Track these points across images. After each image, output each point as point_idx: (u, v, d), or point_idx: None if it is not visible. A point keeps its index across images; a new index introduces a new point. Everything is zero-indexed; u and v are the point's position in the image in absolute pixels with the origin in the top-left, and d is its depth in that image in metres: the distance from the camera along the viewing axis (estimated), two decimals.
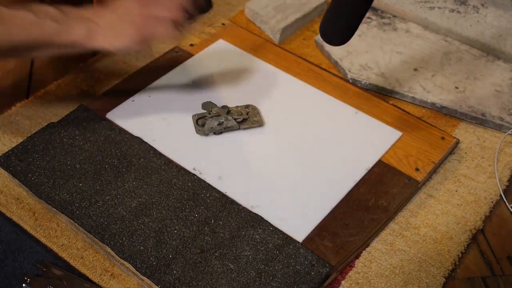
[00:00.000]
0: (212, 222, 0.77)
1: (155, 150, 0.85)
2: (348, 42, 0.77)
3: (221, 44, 1.05)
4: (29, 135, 0.87)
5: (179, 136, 0.88)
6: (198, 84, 0.97)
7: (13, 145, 0.86)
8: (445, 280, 0.76)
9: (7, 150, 0.85)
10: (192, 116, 0.89)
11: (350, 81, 1.01)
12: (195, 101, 0.93)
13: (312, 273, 0.71)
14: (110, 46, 0.75)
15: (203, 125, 0.87)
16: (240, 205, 0.79)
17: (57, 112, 0.95)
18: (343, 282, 0.75)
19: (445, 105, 0.97)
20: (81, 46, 0.74)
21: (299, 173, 0.84)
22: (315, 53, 1.09)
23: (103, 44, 0.74)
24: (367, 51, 1.06)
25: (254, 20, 1.15)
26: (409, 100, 0.99)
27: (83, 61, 1.06)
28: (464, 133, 0.95)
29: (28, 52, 0.75)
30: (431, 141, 0.89)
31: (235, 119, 0.85)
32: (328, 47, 1.07)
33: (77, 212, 0.77)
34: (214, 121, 0.86)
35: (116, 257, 0.73)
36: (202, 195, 0.80)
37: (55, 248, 0.77)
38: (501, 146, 0.93)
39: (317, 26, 1.14)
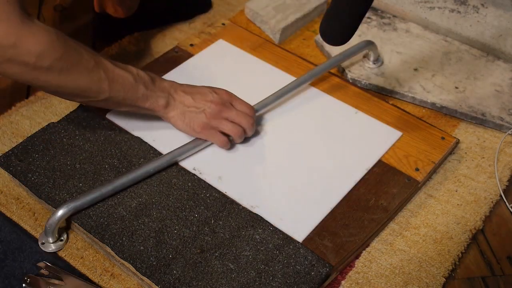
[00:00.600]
0: (212, 222, 0.77)
1: (155, 150, 0.85)
2: (348, 42, 0.77)
3: (221, 44, 1.05)
4: (29, 135, 0.87)
5: (179, 136, 0.88)
6: (198, 84, 0.97)
7: (13, 145, 0.86)
8: (445, 280, 0.76)
9: (7, 150, 0.85)
10: None
11: (350, 81, 1.01)
12: None
13: (312, 273, 0.71)
14: (174, 124, 0.84)
15: None
16: (240, 205, 0.79)
17: (57, 112, 0.95)
18: (343, 282, 0.75)
19: (445, 105, 0.97)
20: (158, 114, 0.83)
21: (299, 173, 0.84)
22: (315, 53, 1.09)
23: (172, 121, 0.84)
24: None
25: (254, 20, 1.15)
26: (409, 100, 0.99)
27: None
28: (464, 133, 0.95)
29: (114, 106, 0.82)
30: (431, 141, 0.89)
31: None
32: (328, 47, 1.07)
33: (77, 212, 0.77)
34: None
35: (116, 257, 0.73)
36: (202, 195, 0.80)
37: None
38: (501, 146, 0.93)
39: (317, 26, 1.14)
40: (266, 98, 0.90)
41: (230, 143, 0.85)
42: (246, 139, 0.88)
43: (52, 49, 0.69)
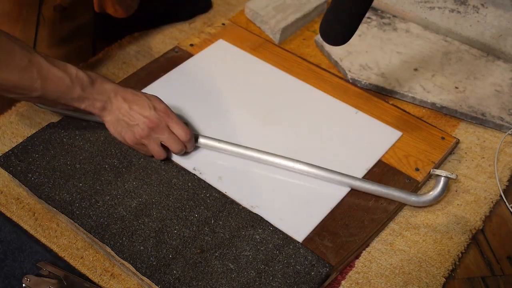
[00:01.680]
0: (212, 222, 0.77)
1: None
2: (348, 42, 0.77)
3: (221, 44, 1.05)
4: (29, 135, 0.87)
5: None
6: (198, 84, 0.97)
7: (13, 145, 0.86)
8: (445, 280, 0.76)
9: (7, 150, 0.85)
10: None
11: (350, 81, 1.01)
12: (195, 101, 0.93)
13: (312, 273, 0.71)
14: (109, 130, 0.83)
15: None
16: (240, 205, 0.79)
17: (57, 112, 0.95)
18: (343, 282, 0.75)
19: (445, 105, 0.97)
20: (92, 115, 0.83)
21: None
22: (315, 53, 1.09)
23: (107, 125, 0.82)
24: (367, 51, 1.06)
25: (254, 20, 1.15)
26: (409, 100, 0.99)
27: (83, 61, 1.06)
28: (464, 133, 0.95)
29: (49, 104, 0.82)
30: (431, 141, 0.89)
31: None
32: (328, 47, 1.07)
33: (77, 212, 0.77)
34: None
35: (116, 257, 0.73)
36: (202, 195, 0.80)
37: (55, 248, 0.77)
38: (501, 146, 0.93)
39: (317, 26, 1.14)
40: (216, 139, 0.85)
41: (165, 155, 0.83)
42: (246, 141, 0.87)
43: None
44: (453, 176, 0.78)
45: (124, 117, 0.80)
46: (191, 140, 0.83)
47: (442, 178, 0.79)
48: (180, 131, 0.82)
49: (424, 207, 0.84)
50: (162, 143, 0.82)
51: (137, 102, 0.80)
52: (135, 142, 0.81)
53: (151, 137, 0.80)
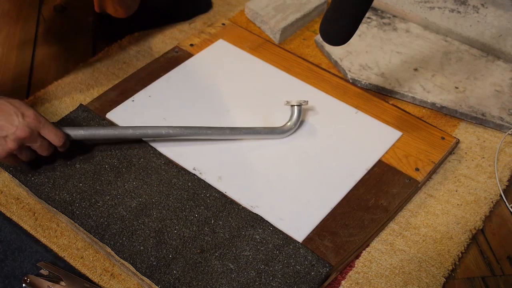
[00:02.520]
0: (212, 222, 0.77)
1: (155, 150, 0.85)
2: (348, 42, 0.77)
3: (221, 44, 1.05)
4: None
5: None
6: (198, 84, 0.97)
7: None
8: (445, 280, 0.76)
9: None
10: None
11: (350, 81, 1.01)
12: (195, 101, 0.93)
13: (312, 273, 0.71)
14: None
15: None
16: (240, 205, 0.79)
17: (57, 112, 0.95)
18: (343, 282, 0.75)
19: (445, 105, 0.97)
20: None
21: (299, 173, 0.84)
22: (315, 53, 1.09)
23: None
24: (367, 51, 1.06)
25: (254, 20, 1.15)
26: (409, 100, 0.99)
27: (83, 61, 1.07)
28: (464, 133, 0.95)
29: None
30: (431, 141, 0.89)
31: None
32: (328, 47, 1.07)
33: (77, 212, 0.77)
34: None
35: (116, 257, 0.73)
36: (202, 195, 0.80)
37: (55, 248, 0.77)
38: (501, 146, 0.93)
39: (317, 26, 1.14)
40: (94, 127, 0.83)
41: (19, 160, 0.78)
42: (246, 141, 0.88)
43: None
44: (304, 103, 0.86)
45: None
46: (65, 143, 0.78)
47: (296, 106, 0.87)
48: (53, 137, 0.76)
49: (424, 207, 0.84)
50: (34, 149, 0.77)
51: (2, 110, 0.72)
52: (5, 155, 0.74)
53: (22, 148, 0.75)
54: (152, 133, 0.83)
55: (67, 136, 0.79)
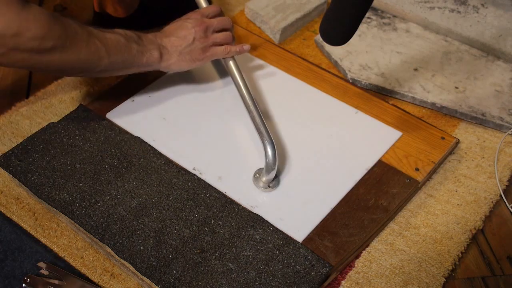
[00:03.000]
0: (212, 222, 0.77)
1: (155, 150, 0.85)
2: (348, 42, 0.77)
3: None
4: (29, 135, 0.87)
5: (179, 136, 0.88)
6: (198, 84, 0.97)
7: (13, 145, 0.86)
8: (445, 280, 0.76)
9: (7, 150, 0.85)
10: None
11: (350, 81, 1.01)
12: (195, 101, 0.93)
13: (312, 273, 0.71)
14: (178, 68, 0.87)
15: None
16: (240, 205, 0.79)
17: (57, 112, 0.95)
18: (343, 282, 0.75)
19: (445, 105, 0.97)
20: (155, 66, 0.85)
21: (299, 173, 0.84)
22: (315, 53, 1.09)
23: (173, 67, 0.86)
24: (367, 51, 1.06)
25: (254, 20, 1.15)
26: (409, 100, 0.99)
27: None
28: (464, 133, 0.95)
29: (117, 71, 0.82)
30: (431, 141, 0.89)
31: None
32: (328, 47, 1.07)
33: (77, 212, 0.77)
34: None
35: (116, 257, 0.73)
36: (202, 195, 0.80)
37: (55, 248, 0.77)
38: (501, 146, 0.93)
39: (317, 26, 1.14)
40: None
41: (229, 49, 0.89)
42: (246, 140, 0.88)
43: (53, 30, 0.69)
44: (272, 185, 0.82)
45: (182, 47, 0.85)
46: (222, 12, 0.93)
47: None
48: (215, 11, 0.91)
49: (424, 207, 0.84)
50: (218, 30, 0.89)
51: (177, 28, 0.86)
52: (205, 50, 0.87)
53: (209, 34, 0.87)
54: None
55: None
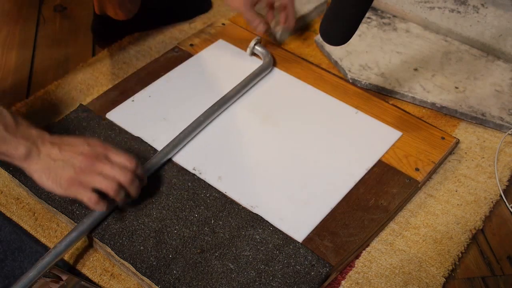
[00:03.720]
0: (212, 222, 0.77)
1: (155, 150, 0.85)
2: (348, 42, 0.77)
3: (221, 44, 1.05)
4: None
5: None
6: (198, 84, 0.97)
7: None
8: (445, 280, 0.76)
9: None
10: None
11: (350, 81, 1.01)
12: (195, 101, 0.93)
13: (312, 273, 0.71)
14: (39, 182, 0.71)
15: None
16: (240, 205, 0.79)
17: (57, 112, 0.95)
18: (343, 282, 0.75)
19: (445, 105, 0.97)
20: (15, 162, 0.71)
21: (299, 173, 0.84)
22: (315, 53, 1.09)
23: (35, 176, 0.71)
24: (367, 51, 1.06)
25: None
26: (409, 100, 0.99)
27: (83, 61, 1.07)
28: (464, 133, 0.95)
29: None
30: (431, 141, 0.89)
31: None
32: (328, 47, 1.07)
33: (77, 212, 0.77)
34: None
35: (116, 257, 0.73)
36: (202, 195, 0.80)
37: None
38: (501, 146, 0.93)
39: (317, 26, 1.14)
40: (157, 154, 0.83)
41: (107, 203, 0.73)
42: (246, 141, 0.88)
43: None
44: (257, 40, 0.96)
45: (56, 162, 0.70)
46: (139, 166, 0.75)
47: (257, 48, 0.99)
48: (123, 161, 0.73)
49: (424, 207, 0.84)
50: (107, 176, 0.71)
51: (68, 142, 0.72)
52: (73, 182, 0.70)
53: (92, 172, 0.71)
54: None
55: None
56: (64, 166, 0.70)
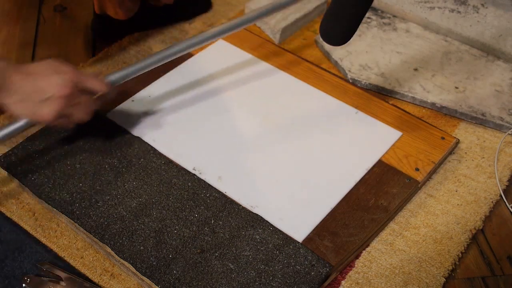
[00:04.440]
0: (212, 222, 0.77)
1: (155, 150, 0.85)
2: (348, 42, 0.77)
3: (221, 44, 1.05)
4: (29, 135, 0.87)
5: (179, 136, 0.88)
6: (198, 84, 0.97)
7: (13, 145, 0.86)
8: (445, 280, 0.76)
9: (7, 150, 0.85)
10: None
11: (350, 81, 1.01)
12: (195, 101, 0.93)
13: (312, 273, 0.71)
14: (15, 114, 0.71)
15: None
16: (240, 205, 0.79)
17: None
18: (343, 282, 0.75)
19: (445, 105, 0.97)
20: None
21: (299, 173, 0.84)
22: (315, 53, 1.09)
23: (12, 109, 0.70)
24: (367, 51, 1.06)
25: None
26: (409, 100, 0.99)
27: (83, 61, 1.06)
28: (464, 133, 0.95)
29: None
30: (431, 141, 0.89)
31: None
32: (328, 47, 1.07)
33: (77, 212, 0.77)
34: None
35: (116, 257, 0.73)
36: (202, 195, 0.80)
37: (55, 248, 0.77)
38: (501, 146, 0.93)
39: (317, 26, 1.14)
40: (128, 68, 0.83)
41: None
42: (246, 141, 0.88)
43: None
44: None
45: (31, 94, 0.69)
46: (111, 89, 0.77)
47: None
48: (97, 85, 0.74)
49: (424, 207, 0.84)
50: (85, 105, 0.73)
51: (41, 72, 0.70)
52: (55, 117, 0.70)
53: (72, 104, 0.71)
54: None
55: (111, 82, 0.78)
56: (42, 100, 0.69)
